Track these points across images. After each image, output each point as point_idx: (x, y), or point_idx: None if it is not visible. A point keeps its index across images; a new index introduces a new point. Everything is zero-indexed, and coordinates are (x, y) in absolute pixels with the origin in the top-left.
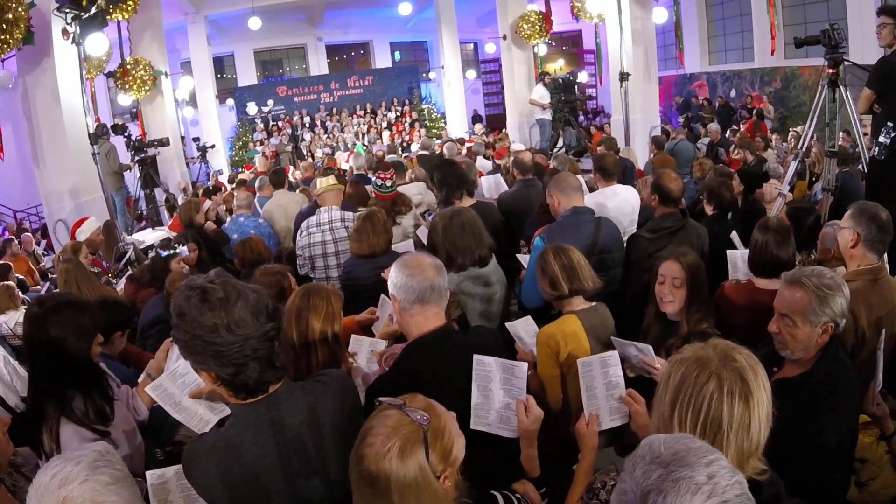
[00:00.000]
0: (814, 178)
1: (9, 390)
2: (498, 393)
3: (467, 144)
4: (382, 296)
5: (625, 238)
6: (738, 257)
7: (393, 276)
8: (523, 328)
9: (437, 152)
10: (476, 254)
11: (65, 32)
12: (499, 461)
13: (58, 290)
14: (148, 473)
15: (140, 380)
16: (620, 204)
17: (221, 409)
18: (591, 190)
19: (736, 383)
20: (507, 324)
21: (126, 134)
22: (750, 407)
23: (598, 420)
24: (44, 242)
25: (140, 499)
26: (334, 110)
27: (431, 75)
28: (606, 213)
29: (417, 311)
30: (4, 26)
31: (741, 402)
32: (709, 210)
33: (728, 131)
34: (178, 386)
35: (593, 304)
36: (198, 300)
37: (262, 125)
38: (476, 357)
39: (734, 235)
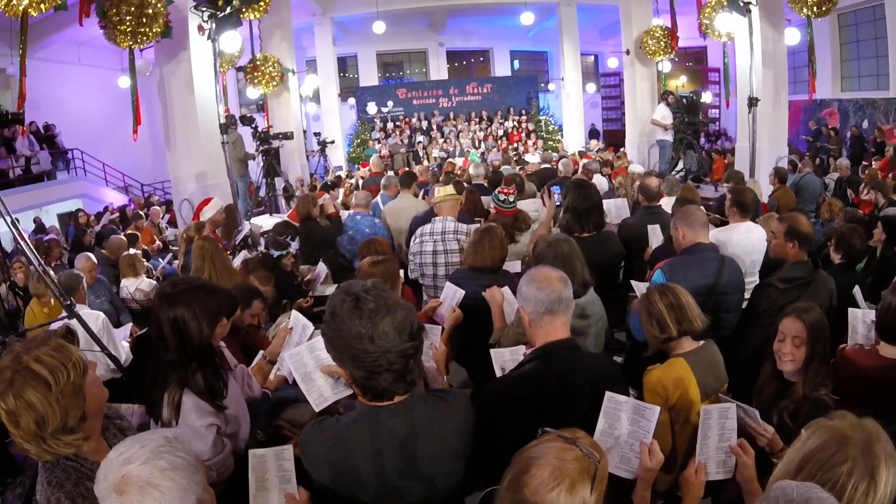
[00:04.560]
0: None
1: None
2: (623, 433)
3: (584, 161)
4: (448, 283)
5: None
6: (859, 318)
7: (522, 289)
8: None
9: (551, 167)
10: None
11: (200, 28)
12: (616, 501)
13: (177, 262)
14: (250, 452)
15: (255, 361)
16: (744, 241)
17: (341, 390)
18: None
19: (864, 478)
20: (493, 350)
21: (253, 125)
22: (868, 500)
23: (705, 470)
24: (167, 216)
25: (200, 487)
26: (451, 115)
27: (550, 86)
28: (729, 249)
29: (547, 321)
30: (144, 20)
31: (862, 494)
32: (836, 258)
33: (859, 168)
34: (313, 358)
35: (701, 342)
36: (350, 306)
37: (380, 125)
38: (608, 394)
39: (857, 292)
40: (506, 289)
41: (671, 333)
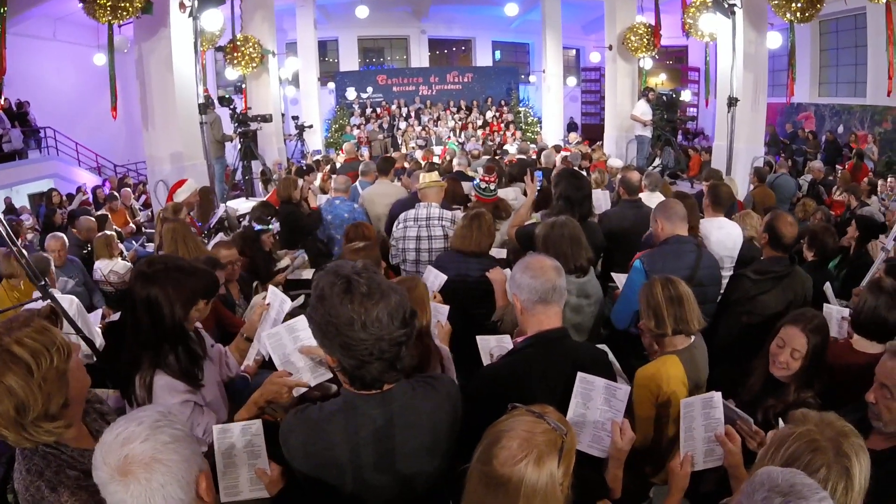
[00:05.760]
0: None
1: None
2: (595, 412)
3: (563, 153)
4: (430, 267)
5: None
6: (832, 314)
7: (516, 276)
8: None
9: (530, 158)
10: (572, 263)
11: (182, 6)
12: (586, 478)
13: (150, 245)
14: (214, 427)
15: (235, 341)
16: (723, 238)
17: (322, 373)
18: None
19: (841, 479)
20: (479, 337)
21: (231, 107)
22: (848, 496)
23: (692, 461)
24: (143, 198)
25: (200, 456)
26: (428, 103)
27: (531, 78)
28: (708, 244)
29: (540, 310)
30: None
31: (843, 493)
32: (809, 255)
33: (832, 170)
34: (291, 339)
35: (692, 338)
36: (341, 290)
37: (359, 110)
38: (580, 375)
39: (828, 288)
40: (508, 269)
41: (665, 330)
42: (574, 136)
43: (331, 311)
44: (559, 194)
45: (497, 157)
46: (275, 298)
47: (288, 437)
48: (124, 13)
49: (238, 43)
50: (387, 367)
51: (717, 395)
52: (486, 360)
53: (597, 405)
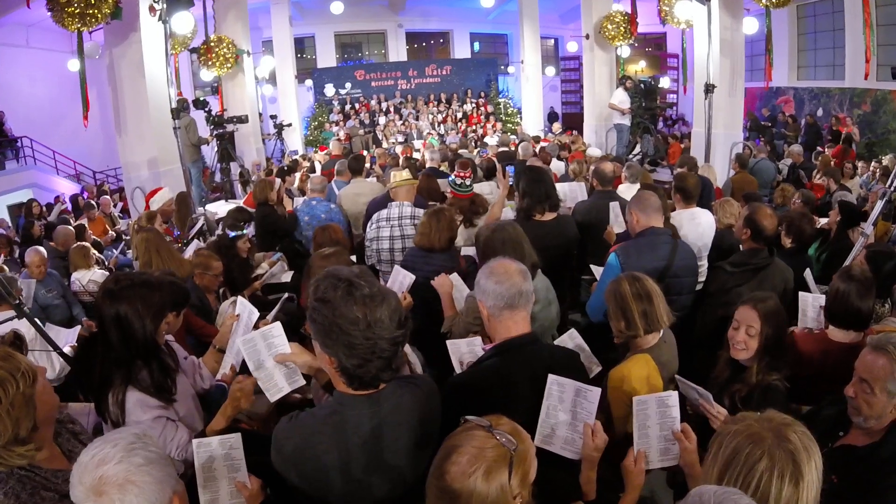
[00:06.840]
0: None
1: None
2: (567, 414)
3: (542, 144)
4: (397, 267)
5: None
6: (808, 302)
7: (481, 282)
8: (568, 341)
9: (510, 150)
10: None
11: (152, 9)
12: (559, 480)
13: (130, 252)
14: (194, 441)
15: (208, 353)
16: (695, 229)
17: (296, 380)
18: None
19: (788, 465)
20: (449, 342)
21: (206, 109)
22: (799, 489)
23: (646, 459)
24: (120, 205)
25: (174, 478)
26: (409, 97)
27: (510, 69)
28: (681, 236)
29: (507, 316)
30: (93, 1)
31: (791, 484)
32: (786, 242)
33: (812, 154)
34: (266, 345)
35: (661, 334)
36: (345, 292)
37: (338, 107)
38: (551, 377)
39: (808, 275)
40: (455, 275)
41: (637, 332)
42: (557, 127)
43: (336, 313)
44: (523, 191)
45: (466, 151)
46: (243, 309)
47: (284, 445)
48: (93, 20)
49: (211, 44)
50: (385, 365)
51: (673, 395)
52: (457, 368)
53: (568, 407)
